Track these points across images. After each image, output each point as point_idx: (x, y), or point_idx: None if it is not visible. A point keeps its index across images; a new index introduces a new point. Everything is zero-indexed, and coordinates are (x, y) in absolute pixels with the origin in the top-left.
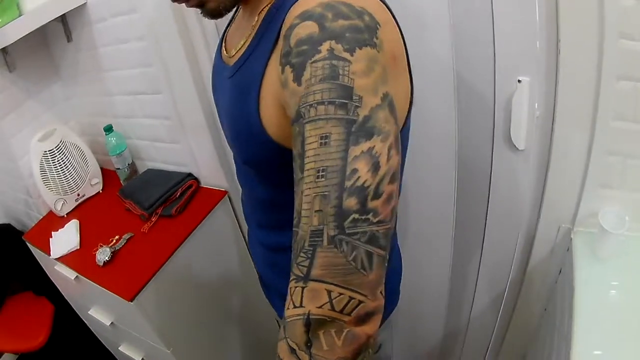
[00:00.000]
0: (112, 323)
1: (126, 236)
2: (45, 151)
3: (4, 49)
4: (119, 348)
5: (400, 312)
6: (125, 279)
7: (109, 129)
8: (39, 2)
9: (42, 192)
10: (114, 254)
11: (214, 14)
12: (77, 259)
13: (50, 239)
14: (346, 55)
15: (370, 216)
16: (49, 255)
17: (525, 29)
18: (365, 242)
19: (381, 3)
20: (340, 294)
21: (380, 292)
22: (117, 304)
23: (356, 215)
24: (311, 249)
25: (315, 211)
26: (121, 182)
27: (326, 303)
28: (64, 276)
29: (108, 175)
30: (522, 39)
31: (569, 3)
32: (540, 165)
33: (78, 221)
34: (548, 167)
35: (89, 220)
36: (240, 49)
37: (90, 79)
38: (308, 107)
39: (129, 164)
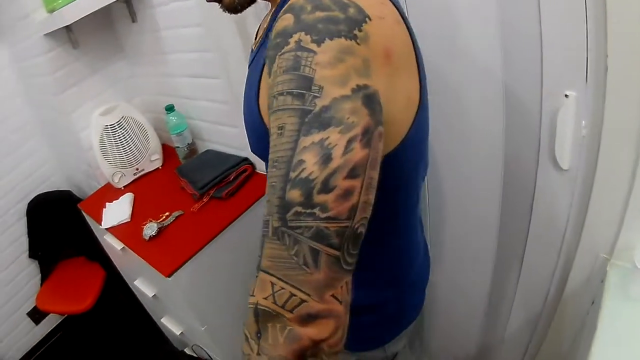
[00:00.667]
0: (154, 295)
1: (176, 213)
2: (106, 125)
3: (68, 27)
4: (162, 320)
5: (437, 324)
6: (167, 255)
7: (170, 109)
8: None
9: (100, 165)
10: (160, 230)
11: (231, 9)
12: (126, 231)
13: (104, 209)
14: (312, 46)
15: (316, 210)
16: (100, 224)
17: (574, 41)
18: (309, 238)
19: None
20: (282, 288)
21: (333, 296)
22: (158, 278)
23: (299, 208)
24: (262, 239)
25: (266, 201)
26: (180, 160)
27: (270, 295)
28: (111, 246)
29: (170, 152)
30: (571, 51)
31: (617, 17)
32: (585, 187)
33: (133, 194)
34: (591, 190)
35: (144, 195)
36: (256, 41)
37: (154, 59)
38: (273, 98)
39: (188, 144)
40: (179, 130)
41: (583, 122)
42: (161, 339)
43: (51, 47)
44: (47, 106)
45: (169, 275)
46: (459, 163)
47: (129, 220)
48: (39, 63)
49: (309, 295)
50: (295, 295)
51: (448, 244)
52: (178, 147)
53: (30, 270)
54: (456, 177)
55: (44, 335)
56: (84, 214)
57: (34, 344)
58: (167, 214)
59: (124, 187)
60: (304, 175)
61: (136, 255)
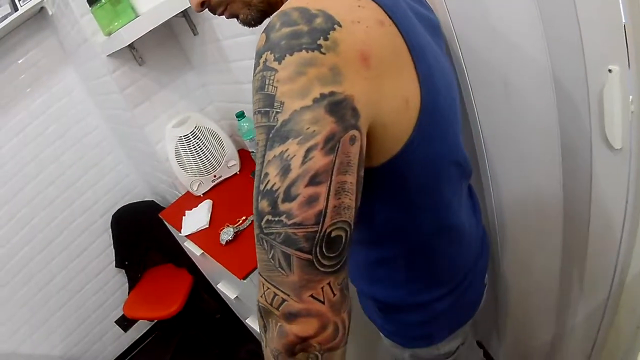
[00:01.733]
0: (236, 297)
1: (251, 217)
2: (180, 136)
3: (131, 46)
4: (246, 320)
5: (509, 314)
6: (242, 258)
7: (240, 115)
8: (153, 4)
9: (178, 175)
10: (236, 234)
11: (246, 24)
12: (204, 237)
13: (183, 217)
14: (274, 64)
15: (283, 218)
16: (180, 232)
17: (608, 13)
18: (280, 243)
19: (363, 2)
20: (268, 287)
21: (312, 297)
22: (237, 280)
23: (269, 217)
24: None
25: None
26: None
27: (262, 294)
28: (192, 252)
29: (247, 157)
30: (607, 24)
31: None
32: None
33: (211, 201)
34: None
35: (222, 200)
36: None
37: (219, 68)
38: (253, 117)
39: None
40: (251, 136)
41: (630, 97)
42: (247, 338)
43: (116, 66)
44: (121, 122)
45: (244, 278)
46: (515, 150)
47: (207, 226)
48: (107, 82)
49: (288, 295)
50: (277, 295)
51: (513, 230)
52: (253, 152)
53: (118, 280)
54: (514, 162)
55: (133, 341)
56: (165, 222)
57: (122, 351)
58: (243, 218)
59: (203, 194)
60: (268, 187)
61: (213, 260)
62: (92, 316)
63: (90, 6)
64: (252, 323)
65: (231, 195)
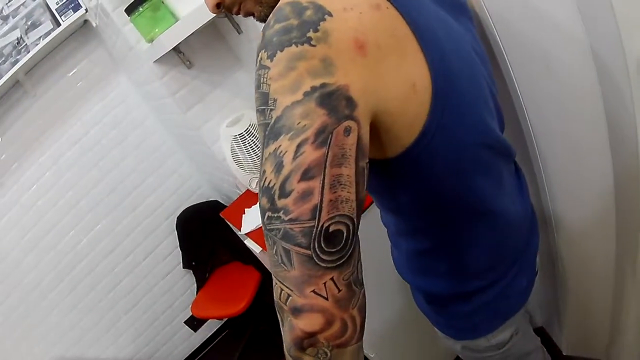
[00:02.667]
0: None
1: None
2: (235, 135)
3: (178, 50)
4: None
5: (568, 302)
6: None
7: None
8: (192, 8)
9: (235, 173)
10: None
11: (262, 21)
12: (262, 234)
13: (243, 215)
14: (267, 62)
15: (281, 214)
16: (240, 230)
17: None
18: (280, 239)
19: None
20: (276, 283)
21: (314, 292)
22: None
23: (269, 213)
24: None
25: None
26: None
27: (274, 290)
28: (252, 249)
29: None
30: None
31: None
32: None
33: None
34: None
35: None
36: None
37: None
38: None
39: None
40: None
41: None
42: None
43: (164, 72)
44: (177, 125)
45: None
46: (563, 133)
47: None
48: (157, 88)
49: (291, 290)
50: (284, 290)
51: (566, 215)
52: None
53: (186, 280)
54: (563, 146)
55: (204, 340)
56: (227, 221)
57: (193, 350)
58: None
59: None
60: (266, 184)
61: None
62: (161, 318)
63: (128, 15)
64: None
65: None
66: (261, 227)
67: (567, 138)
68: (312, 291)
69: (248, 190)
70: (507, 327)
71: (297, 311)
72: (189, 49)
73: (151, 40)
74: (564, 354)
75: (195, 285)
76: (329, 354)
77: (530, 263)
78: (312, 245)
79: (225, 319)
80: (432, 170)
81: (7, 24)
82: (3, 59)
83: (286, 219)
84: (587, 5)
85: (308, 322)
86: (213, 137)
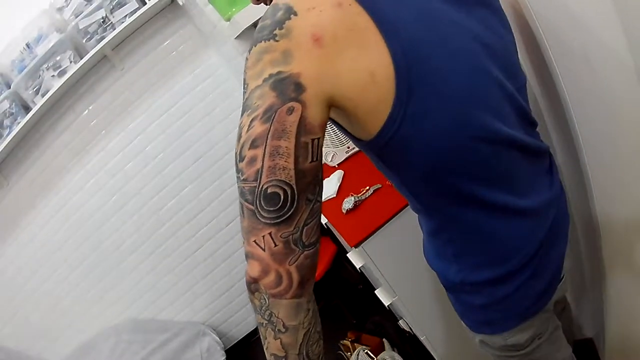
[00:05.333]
0: (362, 266)
1: (374, 187)
2: None
3: (256, 25)
4: (375, 291)
5: (610, 307)
6: (358, 226)
7: None
8: None
9: None
10: (357, 203)
11: None
12: (331, 206)
13: None
14: (247, 54)
15: (239, 175)
16: None
17: None
18: (239, 194)
19: None
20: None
21: (255, 242)
22: (361, 249)
23: (236, 174)
24: None
25: None
26: None
27: None
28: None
29: None
30: None
31: None
32: None
33: (342, 172)
34: None
35: (354, 171)
36: None
37: None
38: None
39: None
40: None
41: None
42: (376, 309)
43: (245, 48)
44: None
45: (355, 246)
46: (609, 134)
47: (335, 196)
48: (240, 63)
49: (244, 238)
50: (242, 237)
51: (614, 219)
52: None
53: None
54: (609, 144)
55: None
56: None
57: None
58: (367, 188)
59: (337, 165)
60: (234, 151)
61: (333, 227)
62: (237, 285)
63: None
64: (380, 294)
65: (363, 166)
66: (330, 198)
67: (613, 141)
68: (254, 241)
69: (325, 163)
70: (526, 329)
71: (246, 256)
72: None
73: (229, 19)
74: None
75: None
76: (267, 301)
77: (551, 265)
78: (255, 202)
79: None
80: (409, 156)
81: (91, 4)
82: (89, 36)
83: (241, 178)
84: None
85: (250, 268)
86: None
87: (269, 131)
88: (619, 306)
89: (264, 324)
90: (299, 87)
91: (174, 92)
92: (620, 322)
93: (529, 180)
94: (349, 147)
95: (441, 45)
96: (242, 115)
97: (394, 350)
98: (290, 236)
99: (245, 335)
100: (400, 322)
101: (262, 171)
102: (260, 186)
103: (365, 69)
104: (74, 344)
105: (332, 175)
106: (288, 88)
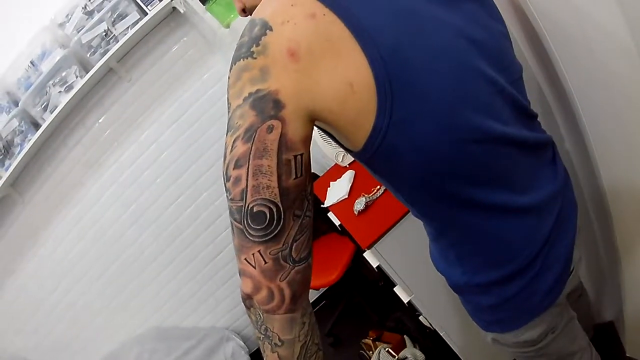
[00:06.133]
0: (378, 266)
1: (384, 187)
2: None
3: None
4: (394, 288)
5: (629, 289)
6: (369, 228)
7: None
8: None
9: (322, 147)
10: (368, 204)
11: None
12: (342, 208)
13: (328, 188)
14: (229, 73)
15: (228, 194)
16: (323, 203)
17: None
18: (229, 213)
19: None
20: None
21: (246, 260)
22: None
23: (225, 193)
24: None
25: None
26: None
27: None
28: (334, 222)
29: None
30: None
31: None
32: None
33: (354, 171)
34: None
35: (364, 170)
36: None
37: None
38: None
39: None
40: None
41: None
42: (397, 306)
43: None
44: None
45: (368, 248)
46: (619, 127)
47: (347, 197)
48: None
49: (236, 256)
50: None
51: (626, 212)
52: None
53: None
54: (619, 139)
55: None
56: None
57: None
58: (377, 187)
59: (348, 165)
60: (222, 170)
61: (347, 230)
62: None
63: (203, 5)
64: (399, 291)
65: None
66: (342, 200)
67: (619, 124)
68: (245, 258)
69: (336, 164)
70: (538, 325)
71: (239, 273)
72: None
73: (228, 26)
74: (627, 355)
75: None
76: (261, 316)
77: (559, 259)
78: (243, 221)
79: (323, 290)
80: (399, 165)
81: (92, 18)
82: (93, 50)
83: (229, 197)
84: None
85: (244, 284)
86: None
87: (250, 151)
88: (637, 288)
89: (261, 338)
90: (278, 104)
91: (183, 100)
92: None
93: (530, 175)
94: None
95: (422, 45)
96: (226, 135)
97: (415, 346)
98: (280, 253)
99: None
100: (421, 318)
101: (246, 190)
102: (247, 205)
103: (344, 80)
104: (97, 356)
105: (343, 176)
106: (267, 106)
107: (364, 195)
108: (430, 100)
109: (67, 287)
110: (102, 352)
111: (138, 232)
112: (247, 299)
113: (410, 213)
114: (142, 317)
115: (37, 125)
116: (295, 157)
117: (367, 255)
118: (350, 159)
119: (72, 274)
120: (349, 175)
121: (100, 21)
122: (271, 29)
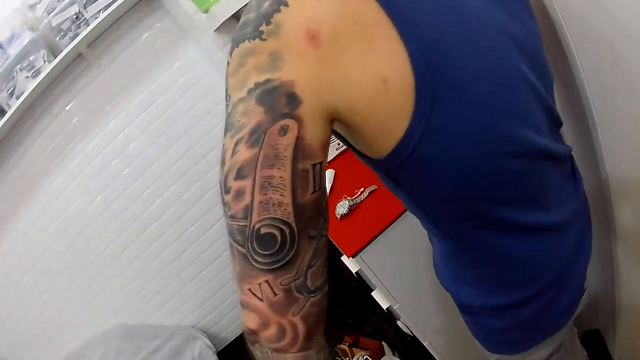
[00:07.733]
0: (357, 272)
1: (370, 189)
2: None
3: (237, 17)
4: (372, 293)
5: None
6: (354, 234)
7: None
8: None
9: None
10: (351, 208)
11: None
12: None
13: None
14: (229, 58)
15: (226, 209)
16: None
17: None
18: (228, 233)
19: None
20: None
21: (250, 291)
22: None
23: (223, 207)
24: None
25: None
26: None
27: None
28: None
29: None
30: None
31: None
32: None
33: (334, 171)
34: None
35: (345, 170)
36: None
37: None
38: None
39: None
40: None
41: None
42: (374, 311)
43: (225, 41)
44: None
45: (353, 256)
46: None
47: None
48: (220, 58)
49: (236, 285)
50: (235, 282)
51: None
52: None
53: None
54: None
55: None
56: None
57: None
58: (361, 189)
59: (327, 163)
60: (218, 177)
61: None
62: (225, 287)
63: None
64: (378, 296)
65: (356, 164)
66: None
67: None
68: (248, 289)
69: None
70: (548, 345)
71: (241, 305)
72: None
73: (206, 11)
74: None
75: None
76: (269, 354)
77: (577, 277)
78: (246, 244)
79: None
80: (428, 178)
81: (64, 0)
82: (62, 33)
83: (228, 214)
84: None
85: (247, 319)
86: None
87: (258, 158)
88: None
89: None
90: (293, 100)
91: (153, 89)
92: (631, 313)
93: (557, 191)
94: (339, 144)
95: (464, 40)
96: (225, 134)
97: (394, 353)
98: (292, 283)
99: (237, 337)
100: (399, 323)
101: (252, 208)
102: (252, 226)
103: (375, 74)
104: (62, 353)
105: None
106: (279, 101)
107: (346, 198)
108: (471, 105)
109: (31, 283)
110: (68, 349)
111: (103, 226)
112: (251, 334)
113: (399, 219)
114: (107, 314)
115: (3, 112)
116: (313, 166)
117: (347, 260)
118: (329, 156)
119: (35, 268)
120: (328, 175)
121: (71, 3)
122: (286, 4)
